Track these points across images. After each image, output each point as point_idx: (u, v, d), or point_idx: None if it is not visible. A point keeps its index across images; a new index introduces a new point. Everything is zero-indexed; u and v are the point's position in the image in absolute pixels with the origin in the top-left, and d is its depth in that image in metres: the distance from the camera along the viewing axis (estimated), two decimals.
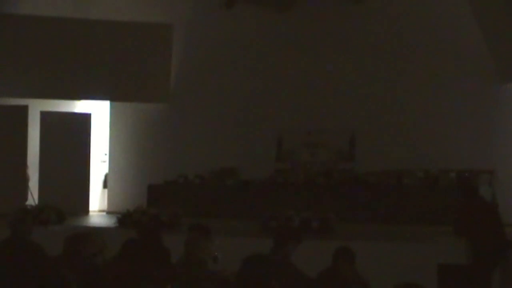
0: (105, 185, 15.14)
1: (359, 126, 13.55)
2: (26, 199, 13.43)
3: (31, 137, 13.76)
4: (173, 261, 5.98)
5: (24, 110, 13.66)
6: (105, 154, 15.13)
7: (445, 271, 6.84)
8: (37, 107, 13.96)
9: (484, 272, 7.29)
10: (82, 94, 14.57)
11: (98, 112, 15.17)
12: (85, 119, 14.32)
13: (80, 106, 15.30)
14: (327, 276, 5.51)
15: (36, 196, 13.57)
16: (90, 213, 14.02)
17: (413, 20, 13.26)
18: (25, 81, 13.85)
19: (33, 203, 12.46)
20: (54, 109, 14.39)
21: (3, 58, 13.77)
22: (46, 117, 13.92)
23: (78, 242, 5.78)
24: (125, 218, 10.63)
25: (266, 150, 13.99)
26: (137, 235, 6.13)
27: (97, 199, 14.91)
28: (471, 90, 12.79)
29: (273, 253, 5.81)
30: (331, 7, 13.80)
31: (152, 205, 11.22)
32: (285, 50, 14.10)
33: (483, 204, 7.98)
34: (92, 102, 15.18)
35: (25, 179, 13.66)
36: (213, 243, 6.11)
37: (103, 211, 14.63)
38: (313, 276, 5.68)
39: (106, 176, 15.14)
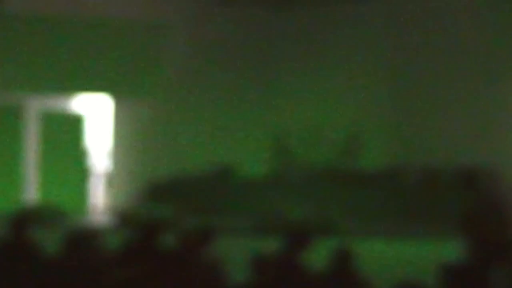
0: (105, 184, 15.11)
1: (359, 124, 13.53)
2: (26, 199, 13.42)
3: (29, 137, 13.74)
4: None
5: (22, 109, 13.65)
6: (105, 154, 15.09)
7: (445, 271, 6.81)
8: (36, 107, 13.93)
9: (485, 272, 7.27)
10: (82, 93, 14.55)
11: (98, 111, 15.15)
12: (85, 118, 14.29)
13: (80, 105, 15.29)
14: (326, 276, 5.49)
15: (35, 196, 13.55)
16: (90, 213, 14.00)
17: (413, 19, 13.24)
18: (25, 80, 13.82)
19: (32, 203, 12.44)
20: (53, 108, 14.36)
21: (3, 58, 13.75)
22: (44, 116, 13.90)
23: (78, 242, 5.77)
24: (125, 216, 10.63)
25: (266, 149, 13.97)
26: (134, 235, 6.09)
27: (97, 199, 14.88)
28: (472, 89, 12.76)
29: (281, 254, 5.81)
30: (331, 6, 13.78)
31: (152, 204, 11.20)
32: (284, 49, 14.08)
33: (489, 202, 7.96)
34: (92, 101, 15.16)
35: (25, 179, 13.64)
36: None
37: (103, 210, 14.61)
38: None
39: (106, 175, 15.11)
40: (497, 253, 7.44)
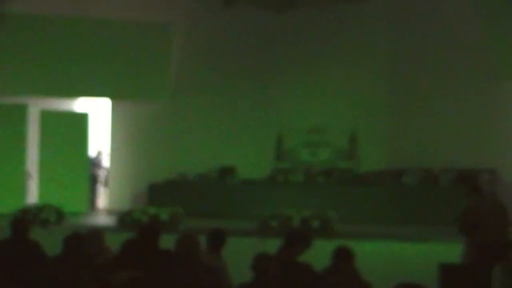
0: (105, 184, 15.14)
1: (359, 125, 13.54)
2: (26, 199, 13.43)
3: (31, 137, 13.76)
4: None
5: (24, 109, 13.68)
6: (105, 154, 15.11)
7: (445, 271, 6.83)
8: (37, 106, 13.95)
9: (485, 272, 7.27)
10: (82, 93, 14.57)
11: (98, 111, 15.17)
12: (85, 118, 14.31)
13: (80, 105, 15.31)
14: (327, 276, 5.50)
15: (36, 196, 13.56)
16: (90, 213, 14.02)
17: (414, 20, 13.24)
18: (25, 80, 13.84)
19: (33, 203, 12.46)
20: (54, 108, 14.38)
21: (3, 57, 13.77)
22: (46, 116, 13.92)
23: (78, 242, 5.78)
24: (125, 217, 10.65)
25: (266, 150, 13.98)
26: (137, 236, 6.09)
27: (98, 199, 14.90)
28: (472, 89, 12.76)
29: (280, 253, 5.83)
30: (331, 7, 13.79)
31: (152, 205, 11.22)
32: (285, 49, 14.09)
33: (490, 203, 7.93)
34: (92, 101, 15.18)
35: (25, 179, 13.65)
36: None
37: (103, 210, 14.63)
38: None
39: (106, 175, 15.13)
40: (497, 253, 7.45)
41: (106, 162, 15.09)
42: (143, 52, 14.23)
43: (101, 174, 14.93)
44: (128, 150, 14.78)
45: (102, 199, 15.02)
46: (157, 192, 13.22)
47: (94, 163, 14.64)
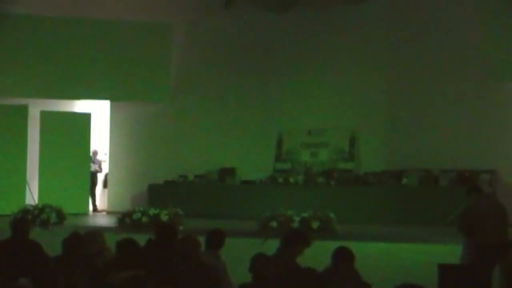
0: (105, 185, 15.14)
1: (359, 126, 13.54)
2: (26, 199, 13.43)
3: (31, 137, 13.76)
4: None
5: (24, 109, 13.69)
6: (105, 154, 15.12)
7: (444, 271, 6.83)
8: (37, 107, 13.96)
9: (485, 272, 7.28)
10: (82, 94, 14.57)
11: (98, 112, 15.17)
12: (85, 118, 14.32)
13: (80, 105, 15.30)
14: (327, 276, 5.50)
15: (36, 196, 13.56)
16: (90, 213, 14.02)
17: (414, 21, 13.23)
18: (25, 80, 13.84)
19: (33, 203, 12.47)
20: (54, 109, 14.39)
21: (3, 58, 13.77)
22: (46, 117, 13.92)
23: (78, 242, 5.79)
24: (125, 218, 10.65)
25: (266, 150, 13.99)
26: (155, 236, 6.13)
27: (97, 199, 14.90)
28: (472, 90, 12.76)
29: (279, 253, 5.84)
30: (331, 7, 13.79)
31: (152, 206, 11.22)
32: (285, 50, 14.09)
33: (490, 203, 7.94)
34: (92, 102, 15.17)
35: (25, 179, 13.65)
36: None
37: (103, 211, 14.63)
38: None
39: (106, 176, 15.14)
40: (496, 253, 7.45)
41: (104, 162, 15.09)
42: (143, 52, 14.23)
43: (99, 174, 14.92)
44: (128, 150, 14.78)
45: (102, 200, 15.02)
46: (157, 193, 13.23)
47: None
